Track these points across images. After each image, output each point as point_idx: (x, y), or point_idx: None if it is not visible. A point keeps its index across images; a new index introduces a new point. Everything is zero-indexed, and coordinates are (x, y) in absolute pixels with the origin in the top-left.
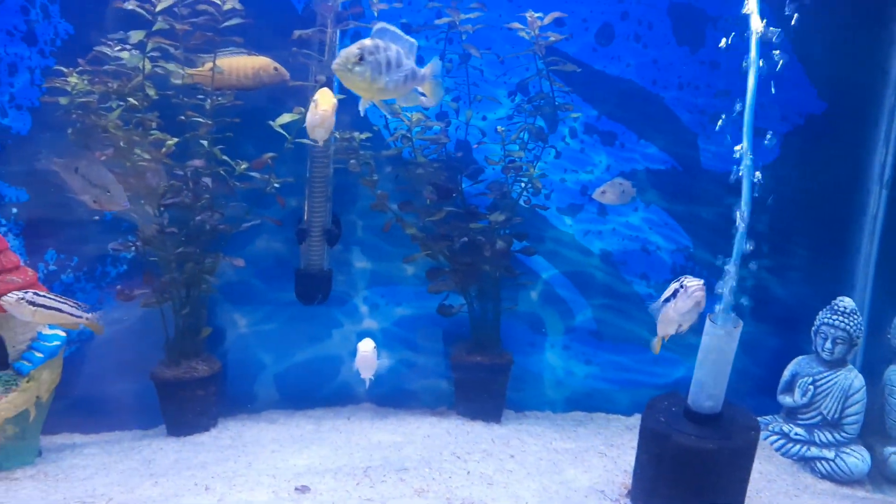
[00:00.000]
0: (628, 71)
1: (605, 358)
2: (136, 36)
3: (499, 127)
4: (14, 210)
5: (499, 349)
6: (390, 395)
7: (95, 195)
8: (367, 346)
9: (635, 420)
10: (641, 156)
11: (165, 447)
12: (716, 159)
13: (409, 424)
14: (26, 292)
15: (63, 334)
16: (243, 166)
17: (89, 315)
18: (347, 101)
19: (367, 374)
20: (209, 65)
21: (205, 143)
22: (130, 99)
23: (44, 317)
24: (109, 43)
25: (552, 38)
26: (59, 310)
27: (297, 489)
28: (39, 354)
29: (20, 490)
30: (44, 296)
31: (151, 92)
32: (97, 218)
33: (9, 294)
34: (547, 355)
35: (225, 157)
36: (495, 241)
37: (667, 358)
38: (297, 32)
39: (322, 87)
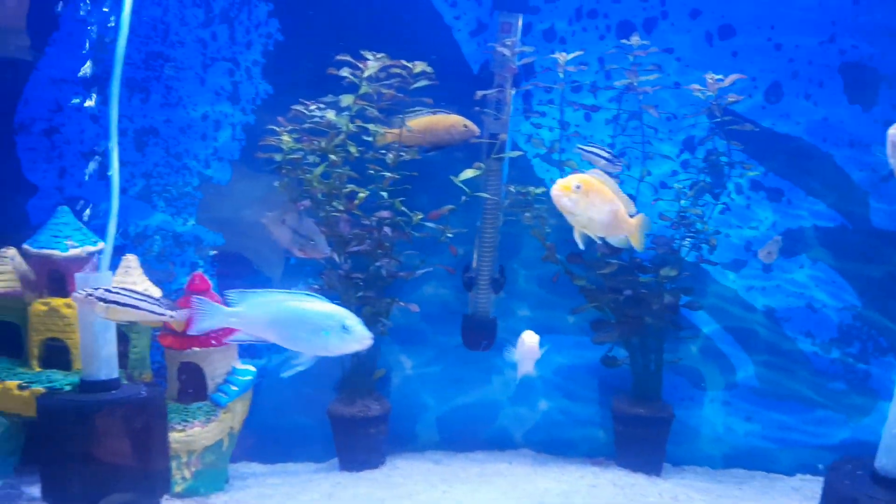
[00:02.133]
0: (797, 129)
1: (766, 416)
2: (346, 100)
3: (676, 184)
4: (211, 252)
5: (660, 402)
6: (548, 443)
7: (301, 244)
8: (532, 338)
9: (798, 481)
10: (809, 213)
11: (343, 482)
12: (888, 218)
13: (570, 473)
14: (97, 288)
15: (254, 369)
16: (419, 217)
17: (172, 313)
18: (519, 158)
19: (527, 369)
20: (410, 124)
21: (384, 194)
22: (332, 156)
23: (119, 314)
24: (305, 102)
25: (731, 99)
26: (137, 307)
27: None
28: (235, 388)
29: None
30: (119, 292)
31: (353, 150)
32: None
33: (79, 290)
34: (706, 410)
35: (404, 208)
36: (663, 295)
37: (831, 418)
38: (479, 93)
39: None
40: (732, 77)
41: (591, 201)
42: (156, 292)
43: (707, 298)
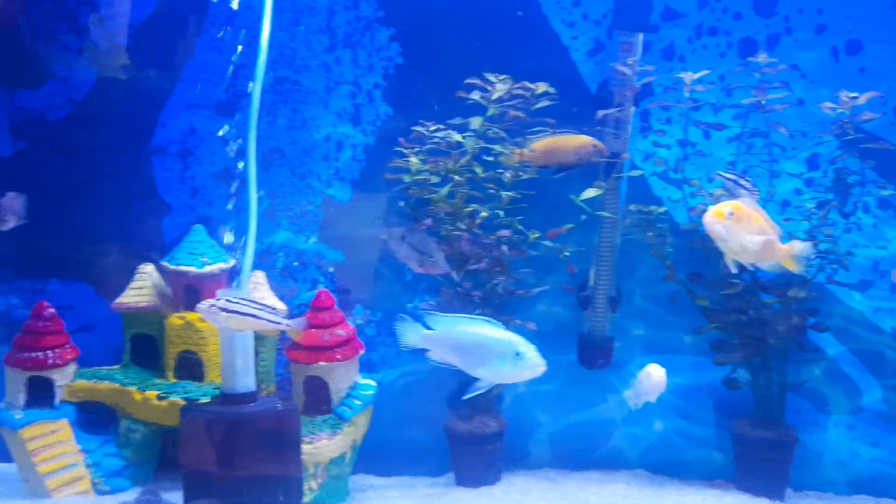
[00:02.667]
0: None
1: (894, 441)
2: (475, 122)
3: (808, 203)
4: (331, 269)
5: (783, 425)
6: (664, 463)
7: (421, 261)
8: (659, 372)
9: None
10: None
11: (461, 497)
12: None
13: (690, 495)
14: (218, 299)
15: (375, 384)
16: (535, 235)
17: (289, 322)
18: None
19: (649, 398)
20: (537, 144)
21: (500, 212)
22: (456, 176)
23: (240, 323)
24: (425, 123)
25: (866, 117)
26: (256, 316)
27: None
28: (358, 402)
29: None
30: (238, 301)
31: (479, 170)
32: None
33: (203, 301)
34: (830, 434)
35: (520, 227)
36: (790, 317)
37: None
38: (601, 112)
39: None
40: (868, 95)
41: (744, 228)
42: (282, 307)
43: (832, 320)
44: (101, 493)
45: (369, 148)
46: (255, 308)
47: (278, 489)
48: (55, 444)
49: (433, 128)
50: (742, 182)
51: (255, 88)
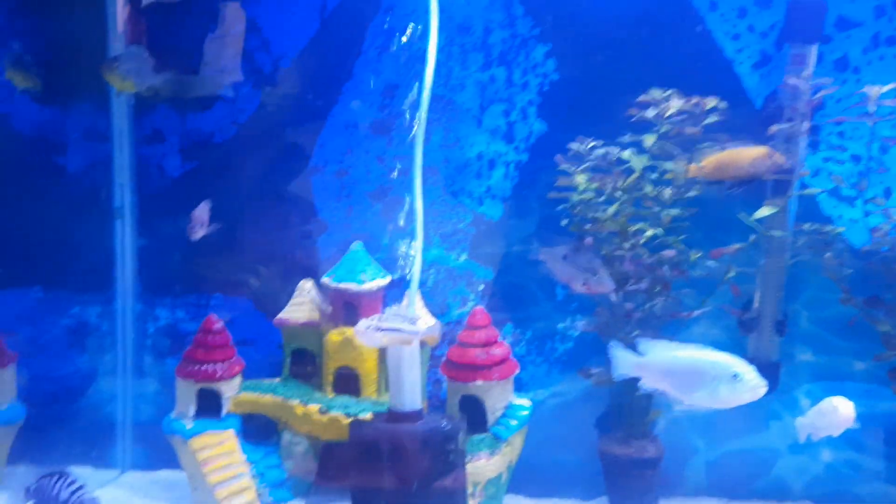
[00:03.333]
0: None
1: None
2: (649, 140)
3: None
4: (481, 287)
5: None
6: (832, 497)
7: (584, 279)
8: (848, 407)
9: None
10: None
11: None
12: None
13: None
14: (372, 319)
15: (530, 404)
16: (698, 254)
17: (425, 329)
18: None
19: (831, 433)
20: (708, 158)
21: (659, 231)
22: (622, 195)
23: (390, 339)
24: (584, 140)
25: None
26: (400, 330)
27: None
28: (514, 422)
29: None
30: (386, 320)
31: (649, 189)
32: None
33: (359, 323)
34: None
35: (682, 246)
36: None
37: None
38: (773, 127)
39: None
40: None
41: None
42: (437, 325)
43: None
44: (265, 503)
45: (521, 165)
46: (399, 322)
47: None
48: (223, 454)
49: (591, 144)
50: None
51: (423, 104)
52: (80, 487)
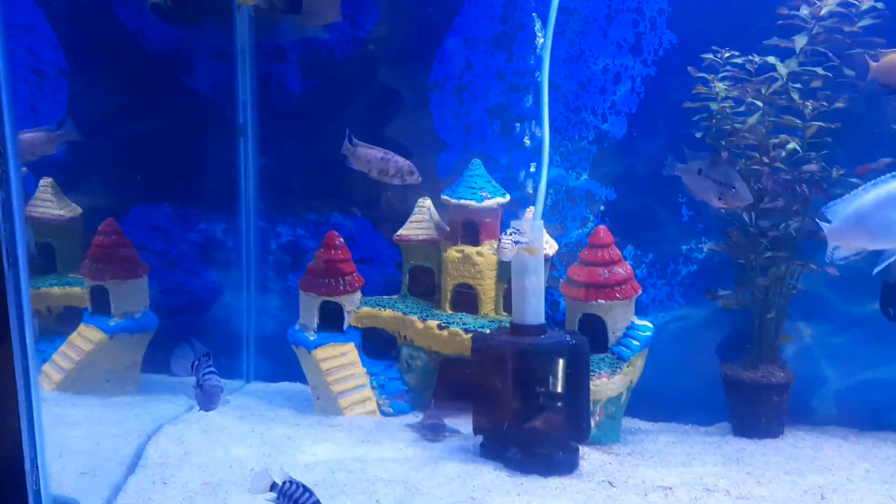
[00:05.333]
0: None
1: None
2: (800, 41)
3: None
4: (602, 207)
5: None
6: None
7: (721, 193)
8: None
9: None
10: None
11: (746, 448)
12: None
13: None
14: (511, 233)
15: (651, 326)
16: (840, 172)
17: (527, 240)
18: None
19: None
20: (887, 59)
21: (797, 146)
22: (763, 105)
23: (519, 250)
24: (718, 50)
25: None
26: (529, 241)
27: None
28: (636, 342)
29: (635, 467)
30: (516, 233)
31: (796, 96)
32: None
33: (503, 242)
34: None
35: (823, 163)
36: None
37: None
38: None
39: None
40: None
41: None
42: (553, 245)
43: None
44: (385, 414)
45: (649, 80)
46: (526, 233)
47: (567, 421)
48: (345, 365)
49: (727, 54)
50: None
51: (551, 15)
52: (212, 372)
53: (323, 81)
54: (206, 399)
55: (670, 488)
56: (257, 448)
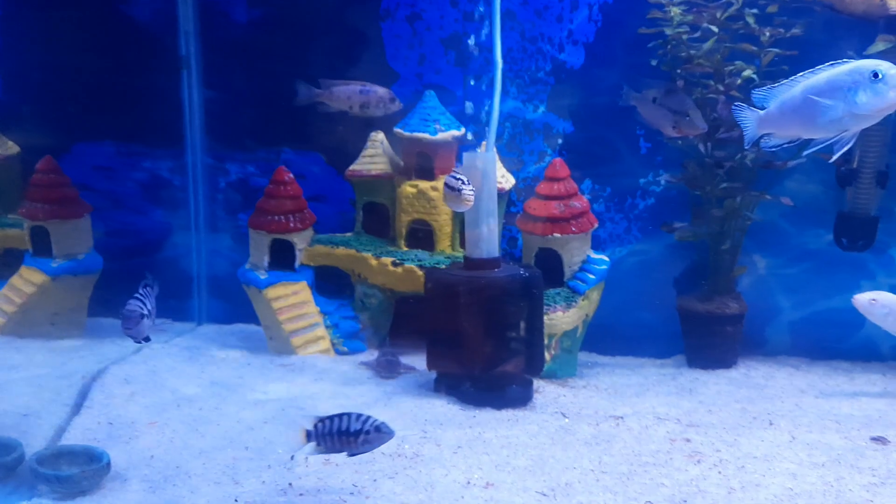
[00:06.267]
0: None
1: None
2: None
3: None
4: (559, 141)
5: None
6: None
7: (676, 121)
8: None
9: None
10: None
11: (699, 378)
12: None
13: None
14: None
15: (608, 259)
16: None
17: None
18: None
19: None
20: None
21: (753, 74)
22: (718, 30)
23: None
24: None
25: None
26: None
27: (873, 439)
28: (592, 276)
29: (589, 398)
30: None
31: (751, 21)
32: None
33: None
34: None
35: None
36: None
37: None
38: None
39: None
40: None
41: None
42: (510, 180)
43: None
44: (339, 353)
45: (606, 6)
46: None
47: (521, 354)
48: (298, 304)
49: None
50: None
51: None
52: (137, 298)
53: (269, 11)
54: (124, 323)
55: (622, 417)
56: (206, 388)
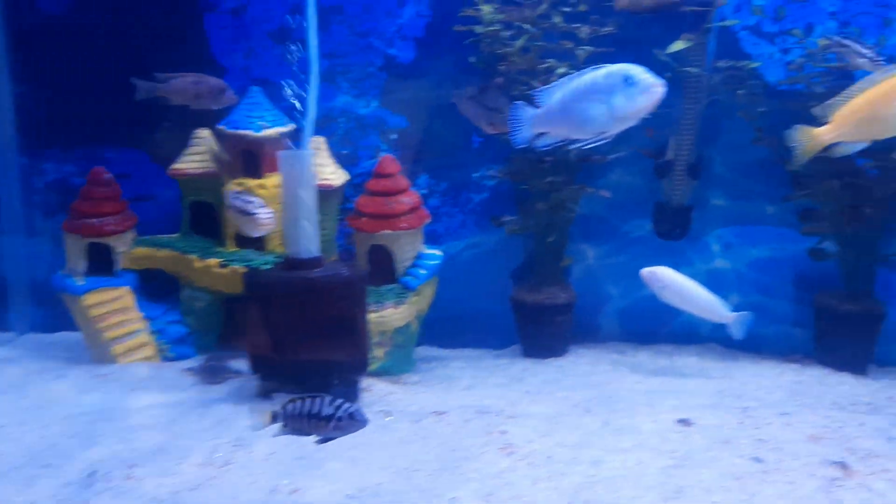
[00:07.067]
0: None
1: None
2: None
3: None
4: (394, 136)
5: (871, 298)
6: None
7: (492, 119)
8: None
9: None
10: None
11: (529, 368)
12: None
13: (769, 370)
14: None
15: (440, 254)
16: None
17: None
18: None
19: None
20: None
21: (567, 71)
22: (531, 28)
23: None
24: None
25: None
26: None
27: (678, 421)
28: (423, 271)
29: (417, 394)
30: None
31: (558, 20)
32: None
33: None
34: None
35: None
36: (889, 183)
37: None
38: None
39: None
40: None
41: None
42: (342, 176)
43: None
44: (166, 359)
45: (435, 1)
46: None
47: (345, 354)
48: (119, 310)
49: None
50: (862, 51)
51: None
52: None
53: (85, 1)
54: None
55: (444, 412)
56: (13, 402)
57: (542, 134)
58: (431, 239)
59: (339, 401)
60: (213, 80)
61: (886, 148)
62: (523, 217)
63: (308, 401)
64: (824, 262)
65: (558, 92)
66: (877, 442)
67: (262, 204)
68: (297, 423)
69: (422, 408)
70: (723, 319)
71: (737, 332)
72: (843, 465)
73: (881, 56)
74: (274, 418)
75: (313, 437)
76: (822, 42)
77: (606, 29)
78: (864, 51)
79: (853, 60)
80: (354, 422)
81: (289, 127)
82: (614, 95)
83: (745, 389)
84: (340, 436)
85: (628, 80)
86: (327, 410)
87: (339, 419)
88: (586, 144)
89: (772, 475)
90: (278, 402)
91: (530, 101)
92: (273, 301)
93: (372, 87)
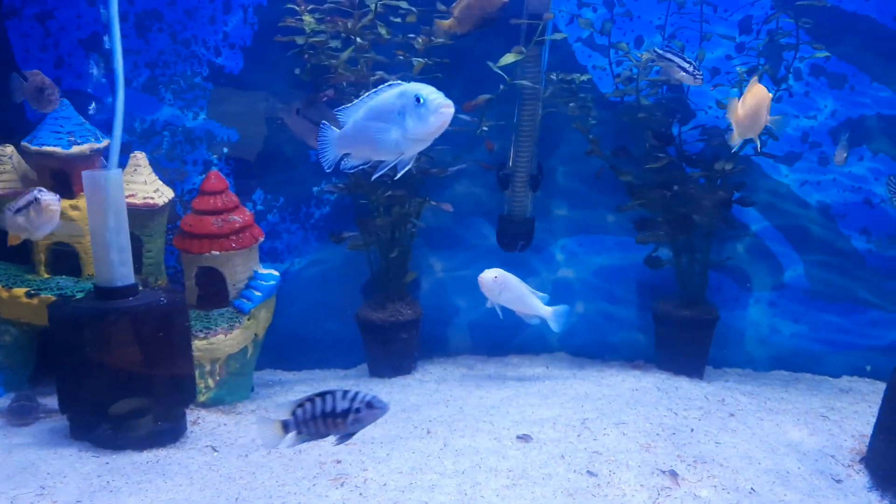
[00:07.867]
0: (867, 6)
1: (816, 317)
2: None
3: (739, 67)
4: (225, 150)
5: (705, 303)
6: (585, 346)
7: (316, 133)
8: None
9: (846, 382)
10: (873, 100)
11: (374, 388)
12: None
13: (611, 377)
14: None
15: (277, 274)
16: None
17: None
18: (559, 43)
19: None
20: (456, 6)
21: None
22: (359, 39)
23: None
24: None
25: None
26: None
27: (518, 437)
28: (258, 293)
29: (251, 425)
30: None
31: (383, 31)
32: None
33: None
34: (751, 311)
35: None
36: (715, 191)
37: (885, 319)
38: None
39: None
40: None
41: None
42: (167, 193)
43: (758, 194)
44: None
45: (262, 9)
46: None
47: (166, 388)
48: None
49: None
50: (682, 64)
51: None
52: None
53: None
54: None
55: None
56: None
57: (347, 155)
58: (272, 256)
59: (353, 391)
60: (35, 77)
61: (712, 158)
62: (365, 232)
63: (318, 400)
64: (661, 269)
65: (358, 111)
66: (705, 448)
67: (42, 189)
68: (312, 426)
69: (253, 440)
70: (542, 314)
71: (555, 326)
72: (672, 474)
73: (700, 70)
74: (285, 428)
75: (331, 439)
76: (646, 56)
77: (439, 40)
78: (685, 64)
79: (675, 73)
80: (374, 410)
81: (104, 143)
82: (406, 116)
83: (587, 399)
84: (360, 429)
85: (419, 100)
86: (342, 405)
87: (358, 411)
88: (388, 166)
89: (604, 489)
90: (87, 443)
91: None
92: (79, 334)
93: (198, 98)
